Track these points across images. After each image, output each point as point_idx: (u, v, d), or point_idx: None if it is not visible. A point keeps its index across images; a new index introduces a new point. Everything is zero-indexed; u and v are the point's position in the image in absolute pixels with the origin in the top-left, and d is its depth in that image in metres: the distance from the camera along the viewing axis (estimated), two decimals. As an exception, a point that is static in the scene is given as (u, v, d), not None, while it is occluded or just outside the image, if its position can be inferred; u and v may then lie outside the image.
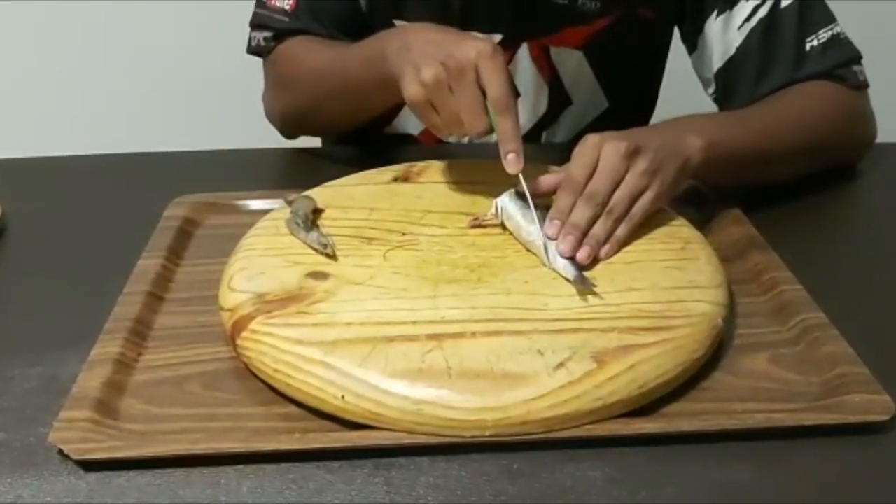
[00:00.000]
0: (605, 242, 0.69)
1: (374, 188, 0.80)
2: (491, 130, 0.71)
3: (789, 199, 0.87)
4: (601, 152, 0.70)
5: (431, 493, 0.53)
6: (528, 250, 0.69)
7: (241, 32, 1.02)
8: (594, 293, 0.64)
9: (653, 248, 0.70)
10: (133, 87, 1.73)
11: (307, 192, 0.78)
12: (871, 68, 0.94)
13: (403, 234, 0.72)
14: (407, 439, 0.55)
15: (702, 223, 0.77)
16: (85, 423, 0.56)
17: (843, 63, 0.92)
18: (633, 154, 0.70)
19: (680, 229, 0.73)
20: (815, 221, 0.85)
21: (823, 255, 0.79)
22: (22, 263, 0.79)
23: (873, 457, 0.56)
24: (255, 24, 0.99)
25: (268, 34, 0.97)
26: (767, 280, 0.71)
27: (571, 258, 0.67)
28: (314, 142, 1.16)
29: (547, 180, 0.72)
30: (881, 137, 0.97)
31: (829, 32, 0.92)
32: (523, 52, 1.00)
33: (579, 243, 0.67)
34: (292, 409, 0.58)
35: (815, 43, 0.92)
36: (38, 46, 1.71)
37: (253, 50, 0.99)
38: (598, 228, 0.69)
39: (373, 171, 0.83)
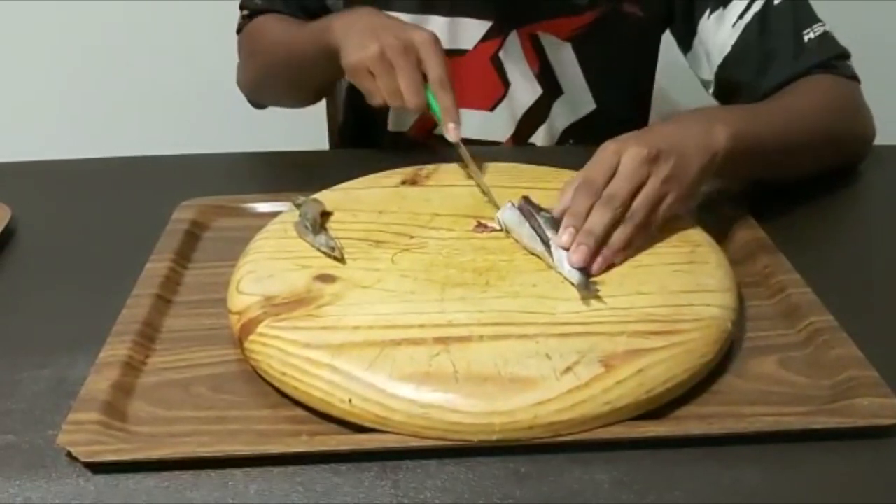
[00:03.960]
0: (621, 251, 0.67)
1: (382, 191, 0.80)
2: (427, 107, 0.80)
3: (797, 201, 0.86)
4: (621, 157, 0.68)
5: (439, 495, 0.53)
6: (534, 254, 0.69)
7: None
8: (599, 298, 0.64)
9: (662, 251, 0.70)
10: (141, 90, 1.73)
11: (315, 196, 0.78)
12: (871, 70, 0.95)
13: (411, 237, 0.72)
14: (414, 442, 0.55)
15: (710, 226, 0.77)
16: (93, 426, 0.56)
17: (838, 56, 0.94)
18: (654, 159, 0.69)
19: (689, 232, 0.73)
20: (823, 224, 0.85)
21: (832, 258, 0.78)
22: (30, 266, 0.79)
23: (882, 460, 0.55)
24: (240, 7, 1.07)
25: (245, 13, 1.06)
26: (776, 283, 0.71)
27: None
28: (322, 144, 1.16)
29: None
30: (886, 140, 0.97)
31: (822, 28, 0.94)
32: (513, 39, 1.01)
33: (592, 253, 0.66)
34: (300, 411, 0.58)
35: (811, 35, 0.93)
36: (46, 50, 1.71)
37: (237, 30, 1.08)
38: (617, 236, 0.67)
39: (381, 174, 0.84)
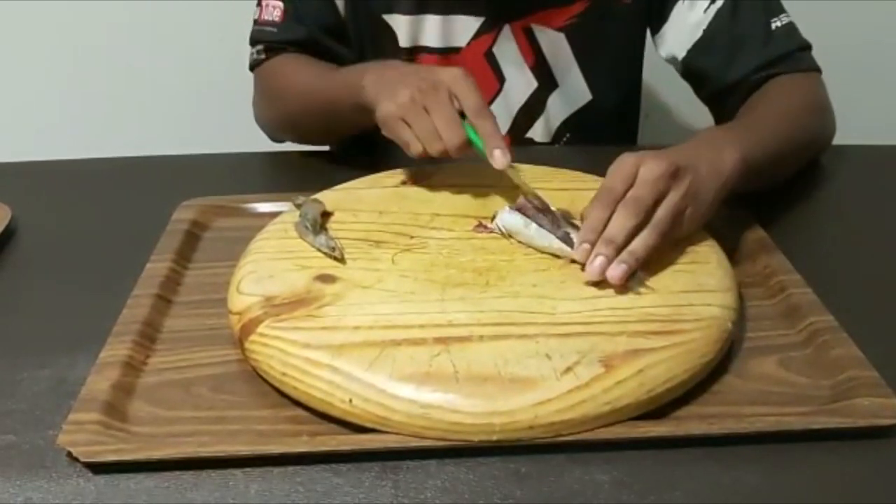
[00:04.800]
0: (642, 259, 0.64)
1: (382, 191, 0.80)
2: (468, 145, 0.74)
3: (797, 202, 0.87)
4: (640, 169, 0.67)
5: (439, 495, 0.53)
6: (548, 253, 0.69)
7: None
8: (646, 286, 0.64)
9: (663, 251, 0.69)
10: (142, 90, 1.73)
11: (316, 196, 0.78)
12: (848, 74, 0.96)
13: (412, 237, 0.72)
14: (414, 442, 0.55)
15: (711, 226, 0.77)
16: (93, 426, 0.56)
17: (802, 47, 0.96)
18: (674, 174, 0.67)
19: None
20: (824, 224, 0.85)
21: (832, 259, 0.78)
22: (31, 266, 0.79)
23: (882, 460, 0.56)
24: (252, 42, 1.04)
25: (261, 47, 1.02)
26: (776, 283, 0.71)
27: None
28: (322, 146, 1.16)
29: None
30: (886, 140, 0.98)
31: (787, 18, 0.97)
32: (506, 33, 1.02)
33: (610, 262, 0.64)
34: (300, 411, 0.59)
35: (778, 24, 0.96)
36: (46, 50, 1.71)
37: (251, 65, 1.05)
38: (640, 243, 0.65)
39: (381, 174, 0.84)
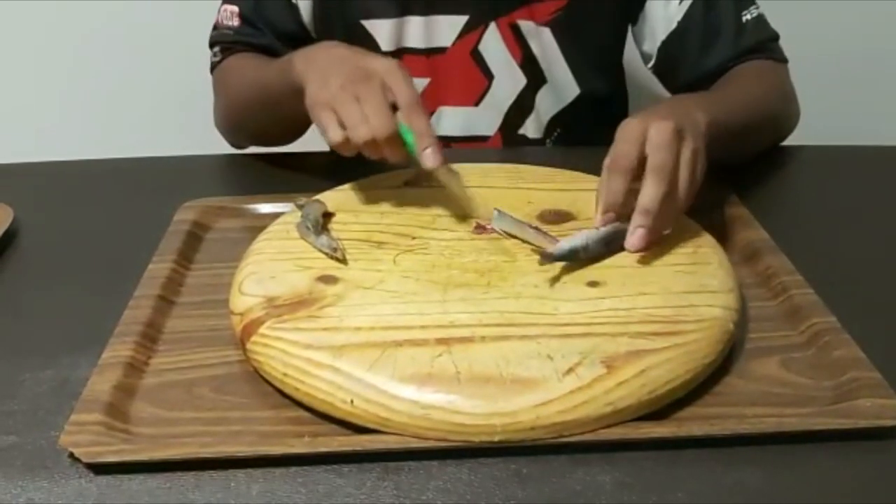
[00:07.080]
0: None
1: (384, 192, 0.80)
2: (397, 138, 0.72)
3: (800, 202, 0.86)
4: (649, 131, 0.66)
5: (441, 496, 0.53)
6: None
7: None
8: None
9: (664, 251, 0.70)
10: (144, 91, 1.73)
11: (317, 196, 0.78)
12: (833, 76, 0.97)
13: (413, 238, 0.72)
14: (416, 443, 0.55)
15: (712, 227, 0.77)
16: (95, 427, 0.56)
17: (772, 38, 0.99)
18: (679, 132, 0.67)
19: (692, 233, 0.73)
20: (826, 225, 0.85)
21: (834, 260, 0.78)
22: (33, 267, 0.79)
23: (884, 461, 0.56)
24: (210, 45, 1.04)
25: (217, 48, 1.02)
26: (778, 284, 0.71)
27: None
28: (324, 146, 1.16)
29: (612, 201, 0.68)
30: (888, 141, 0.99)
31: (757, 11, 0.99)
32: (492, 31, 1.01)
33: (650, 232, 0.65)
34: (302, 412, 0.59)
35: (749, 17, 0.98)
36: (48, 50, 1.71)
37: (210, 68, 1.05)
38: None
39: (383, 175, 0.84)
